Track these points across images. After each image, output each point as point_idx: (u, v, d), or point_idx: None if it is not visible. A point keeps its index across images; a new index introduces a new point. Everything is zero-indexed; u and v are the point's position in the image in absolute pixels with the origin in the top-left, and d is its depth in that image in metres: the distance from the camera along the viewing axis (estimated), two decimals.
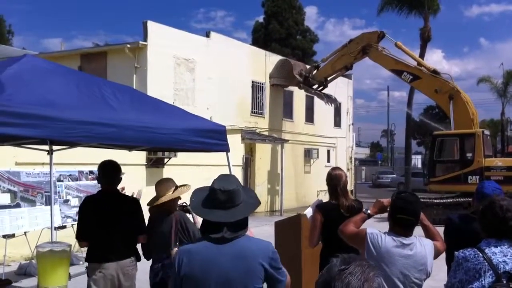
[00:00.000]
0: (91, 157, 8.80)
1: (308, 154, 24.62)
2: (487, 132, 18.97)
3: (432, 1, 27.65)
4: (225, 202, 2.69)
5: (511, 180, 16.63)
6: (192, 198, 2.80)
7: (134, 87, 14.30)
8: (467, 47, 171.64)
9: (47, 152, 5.39)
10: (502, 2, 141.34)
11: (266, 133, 21.43)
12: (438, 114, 59.94)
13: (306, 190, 23.35)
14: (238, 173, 16.11)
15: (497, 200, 3.12)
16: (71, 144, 5.23)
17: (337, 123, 28.09)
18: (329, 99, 22.02)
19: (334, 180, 4.68)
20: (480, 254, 2.99)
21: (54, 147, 5.44)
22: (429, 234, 3.61)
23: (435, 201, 17.65)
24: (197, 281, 2.61)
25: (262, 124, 21.59)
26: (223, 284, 2.58)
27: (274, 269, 2.66)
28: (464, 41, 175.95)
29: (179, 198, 4.62)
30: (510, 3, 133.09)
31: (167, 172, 14.50)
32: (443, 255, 3.78)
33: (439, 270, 3.81)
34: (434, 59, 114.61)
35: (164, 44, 16.41)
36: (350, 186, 28.22)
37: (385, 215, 3.53)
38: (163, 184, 4.59)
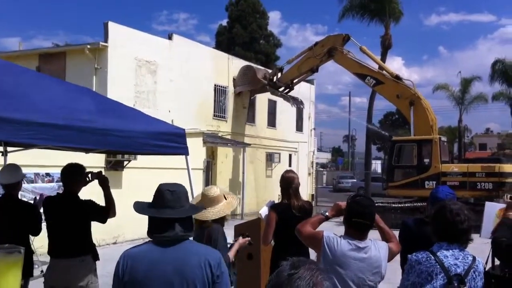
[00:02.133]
0: (48, 159, 8.64)
1: (270, 159, 24.70)
2: (444, 138, 19.44)
3: (393, 9, 28.16)
4: (173, 201, 2.68)
5: (466, 185, 17.13)
6: (134, 206, 2.78)
7: (94, 89, 14.07)
8: (426, 55, 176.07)
9: (0, 154, 5.25)
10: (460, 12, 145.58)
11: (228, 137, 21.39)
12: (398, 120, 61.27)
13: (267, 194, 23.35)
14: (199, 177, 16.01)
15: (448, 204, 3.20)
16: (26, 145, 5.11)
17: (299, 127, 28.27)
18: (295, 101, 22.15)
19: (287, 182, 5.05)
20: (432, 257, 3.05)
21: (8, 149, 5.31)
22: (384, 236, 3.66)
23: (393, 205, 17.96)
24: (140, 284, 2.57)
25: (224, 127, 21.55)
26: None
27: (217, 277, 2.61)
28: (424, 49, 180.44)
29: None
30: (468, 13, 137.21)
31: (126, 175, 14.31)
32: (398, 258, 3.85)
33: (394, 273, 3.87)
34: (395, 66, 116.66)
35: (125, 45, 16.19)
36: (311, 191, 28.47)
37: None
38: (214, 198, 4.06)
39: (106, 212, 4.75)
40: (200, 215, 3.75)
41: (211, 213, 3.89)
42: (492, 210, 4.42)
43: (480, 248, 3.52)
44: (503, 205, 4.20)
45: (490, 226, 4.16)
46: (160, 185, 2.78)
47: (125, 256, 2.67)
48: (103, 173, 4.92)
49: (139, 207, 2.75)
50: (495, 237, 3.59)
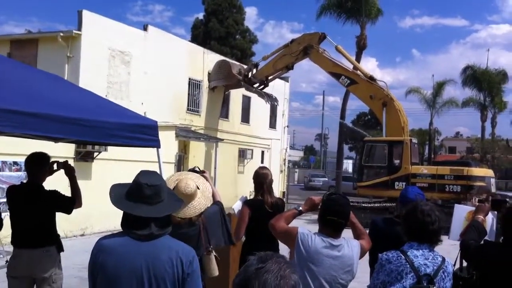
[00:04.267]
0: (15, 147, 8.42)
1: (243, 155, 24.69)
2: (415, 140, 19.72)
3: (369, 10, 28.41)
4: (151, 196, 2.60)
5: (435, 187, 17.41)
6: (111, 193, 2.67)
7: (66, 77, 13.83)
8: (400, 57, 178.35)
9: None
10: (434, 15, 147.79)
11: (201, 131, 21.28)
12: (371, 120, 61.88)
13: (238, 190, 23.35)
14: (170, 170, 15.89)
15: (419, 205, 3.22)
16: None
17: (273, 124, 28.31)
18: (269, 98, 22.16)
19: (261, 178, 5.09)
20: (403, 256, 3.07)
21: None
22: (356, 232, 3.66)
23: (363, 205, 18.14)
24: (109, 277, 2.51)
25: (197, 122, 21.42)
26: (136, 283, 2.49)
27: (188, 275, 2.55)
28: (397, 51, 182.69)
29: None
30: (441, 17, 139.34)
31: (96, 166, 14.11)
32: (367, 257, 3.86)
33: (363, 272, 3.88)
34: (369, 67, 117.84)
35: (99, 35, 15.93)
36: (282, 188, 28.55)
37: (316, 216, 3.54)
38: (192, 194, 3.63)
39: (71, 203, 4.67)
40: (182, 213, 3.52)
41: (192, 210, 3.60)
42: (461, 213, 4.46)
43: (447, 250, 3.55)
44: (472, 208, 4.25)
45: (459, 228, 4.20)
46: (139, 175, 2.67)
47: (98, 245, 2.60)
48: (72, 164, 4.81)
49: (116, 197, 2.64)
50: (464, 240, 3.63)
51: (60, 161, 4.73)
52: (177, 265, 2.52)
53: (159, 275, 2.50)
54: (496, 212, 4.17)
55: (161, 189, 2.66)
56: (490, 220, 4.10)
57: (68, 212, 4.69)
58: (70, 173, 4.74)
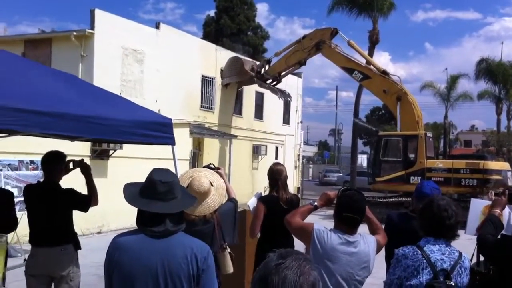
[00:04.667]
0: (32, 146, 8.52)
1: (257, 151, 24.69)
2: (429, 134, 19.56)
3: (382, 4, 28.20)
4: (165, 193, 2.60)
5: (451, 181, 17.26)
6: (125, 192, 2.69)
7: (80, 77, 13.91)
8: (413, 51, 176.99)
9: None
10: (446, 8, 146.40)
11: (215, 128, 21.33)
12: (384, 115, 61.57)
13: (253, 186, 23.41)
14: (185, 168, 15.95)
15: (435, 199, 3.19)
16: (9, 132, 5.01)
17: (286, 120, 28.28)
18: (282, 94, 22.13)
19: (276, 174, 5.06)
20: (419, 251, 3.05)
21: None
22: (372, 227, 3.64)
23: (379, 200, 18.06)
24: (125, 275, 2.52)
25: (211, 119, 21.47)
26: (152, 279, 2.50)
27: (203, 271, 2.55)
28: (410, 45, 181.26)
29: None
30: (453, 10, 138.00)
31: (112, 164, 14.21)
32: (383, 253, 3.84)
33: (379, 267, 3.86)
34: (381, 61, 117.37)
35: (112, 33, 16.03)
36: (297, 184, 28.53)
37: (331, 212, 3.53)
38: (206, 192, 3.65)
39: (88, 201, 4.70)
40: (197, 211, 3.56)
41: (206, 207, 3.61)
42: (478, 207, 4.42)
43: (464, 244, 3.52)
44: (489, 202, 4.21)
45: (476, 223, 4.16)
46: (152, 173, 2.68)
47: (114, 243, 2.61)
48: (88, 162, 4.85)
49: (130, 195, 2.65)
50: (481, 234, 3.59)
51: (76, 159, 4.77)
52: (192, 261, 2.52)
53: (174, 272, 2.50)
54: None
55: (175, 186, 2.66)
56: (506, 214, 4.06)
57: (85, 210, 4.72)
58: (86, 171, 4.76)
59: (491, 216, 3.78)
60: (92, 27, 15.55)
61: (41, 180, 4.80)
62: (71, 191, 4.65)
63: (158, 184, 2.60)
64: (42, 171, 4.84)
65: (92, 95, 4.78)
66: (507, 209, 4.06)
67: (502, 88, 42.86)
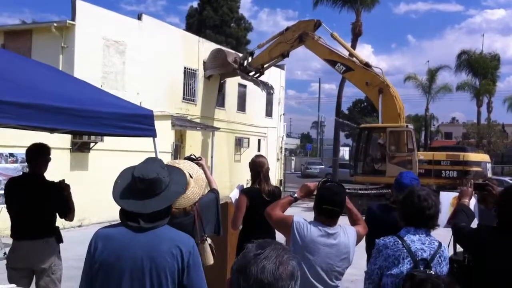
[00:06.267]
0: (12, 139, 8.42)
1: (239, 143, 24.68)
2: (411, 126, 19.76)
3: None
4: (143, 191, 2.55)
5: (431, 173, 17.47)
6: (117, 180, 2.66)
7: (60, 68, 13.76)
8: (395, 43, 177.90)
9: None
10: (428, 1, 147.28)
11: (197, 120, 21.25)
12: (367, 107, 61.88)
13: (235, 179, 23.39)
14: (167, 160, 15.86)
15: (416, 190, 3.23)
16: None
17: (269, 113, 28.27)
18: (265, 86, 22.11)
19: (258, 166, 5.08)
20: (400, 241, 3.09)
21: None
22: (352, 218, 3.67)
23: (360, 191, 18.20)
24: (110, 268, 2.49)
25: (193, 111, 21.38)
26: (136, 273, 2.47)
27: (188, 265, 2.51)
28: (392, 37, 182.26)
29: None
30: (436, 2, 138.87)
31: (92, 157, 14.09)
32: (363, 243, 3.87)
33: (360, 258, 3.90)
34: (364, 54, 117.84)
35: (93, 24, 15.84)
36: (279, 176, 28.59)
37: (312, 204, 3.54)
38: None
39: (66, 210, 4.72)
40: (178, 203, 3.42)
41: (186, 200, 3.52)
42: (447, 200, 4.50)
43: (442, 234, 3.56)
44: (456, 194, 4.28)
45: (446, 215, 4.21)
46: (137, 166, 2.63)
47: (98, 236, 2.58)
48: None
49: (118, 188, 2.62)
50: (456, 224, 3.63)
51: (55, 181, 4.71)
52: (177, 255, 2.49)
53: (160, 266, 2.48)
54: (476, 195, 4.20)
55: (155, 183, 2.59)
56: (472, 204, 4.14)
57: (61, 215, 4.72)
58: (67, 190, 4.72)
59: (461, 205, 3.82)
60: (73, 18, 15.34)
61: (25, 171, 4.76)
62: (58, 191, 4.64)
63: (137, 182, 2.56)
64: (26, 163, 4.81)
65: (72, 87, 4.73)
66: (473, 199, 4.13)
67: (482, 80, 43.41)
